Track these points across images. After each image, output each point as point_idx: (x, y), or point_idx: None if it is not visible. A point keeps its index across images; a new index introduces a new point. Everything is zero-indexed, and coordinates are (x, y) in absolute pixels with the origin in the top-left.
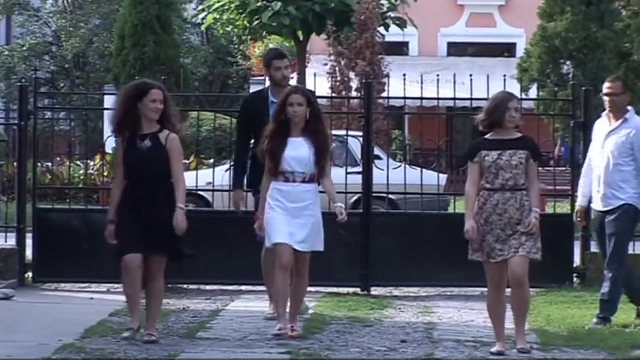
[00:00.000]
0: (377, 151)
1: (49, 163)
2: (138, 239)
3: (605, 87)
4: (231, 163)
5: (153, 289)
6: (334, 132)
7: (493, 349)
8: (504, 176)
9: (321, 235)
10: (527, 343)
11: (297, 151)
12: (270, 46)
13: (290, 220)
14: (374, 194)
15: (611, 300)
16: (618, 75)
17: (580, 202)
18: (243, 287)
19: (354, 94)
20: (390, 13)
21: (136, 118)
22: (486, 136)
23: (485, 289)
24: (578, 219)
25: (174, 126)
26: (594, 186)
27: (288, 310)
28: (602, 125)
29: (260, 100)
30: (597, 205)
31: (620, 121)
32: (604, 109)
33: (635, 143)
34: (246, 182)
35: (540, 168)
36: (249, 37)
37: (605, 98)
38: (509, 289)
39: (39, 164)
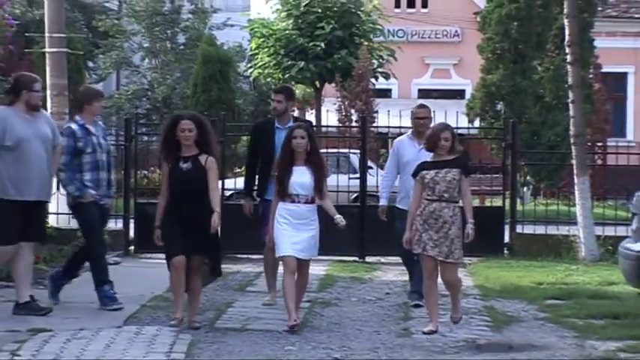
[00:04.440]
0: (370, 163)
1: (146, 171)
2: (182, 242)
3: (417, 113)
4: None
5: (192, 288)
6: (341, 150)
7: (426, 329)
8: (440, 189)
9: (317, 244)
10: (460, 313)
11: (301, 177)
12: (297, 92)
13: (294, 233)
14: (368, 193)
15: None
16: (424, 104)
17: (383, 202)
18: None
19: (354, 124)
20: (378, 69)
21: (175, 144)
22: (428, 159)
23: None
24: (384, 216)
25: (211, 150)
26: (404, 190)
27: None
28: (411, 143)
29: (268, 125)
30: (402, 204)
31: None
32: (524, 134)
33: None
34: (257, 189)
35: (482, 175)
36: None
37: (418, 121)
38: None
39: (138, 172)
